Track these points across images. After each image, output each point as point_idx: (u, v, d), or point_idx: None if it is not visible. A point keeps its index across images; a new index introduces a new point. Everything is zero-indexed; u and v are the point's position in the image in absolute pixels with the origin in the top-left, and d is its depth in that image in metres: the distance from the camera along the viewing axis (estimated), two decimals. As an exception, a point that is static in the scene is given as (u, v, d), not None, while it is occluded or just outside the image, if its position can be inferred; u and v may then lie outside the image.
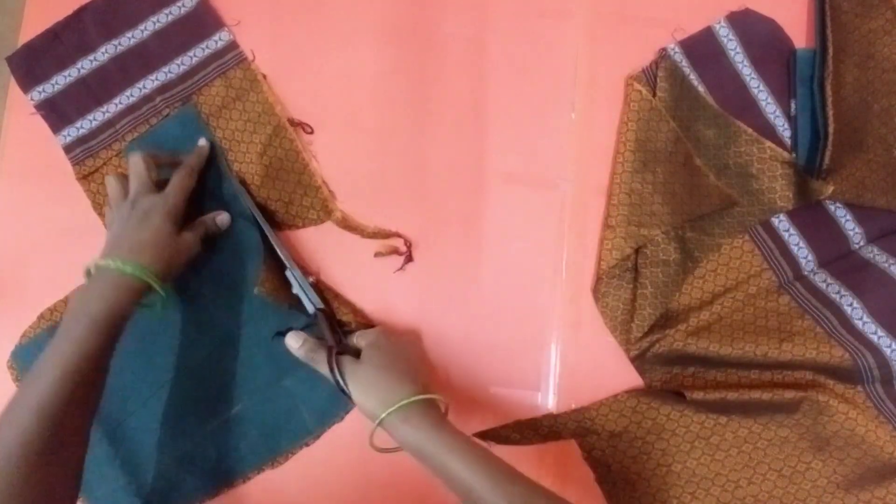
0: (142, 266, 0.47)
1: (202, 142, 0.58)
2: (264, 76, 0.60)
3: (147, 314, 0.51)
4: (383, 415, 0.45)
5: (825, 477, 0.52)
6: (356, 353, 0.50)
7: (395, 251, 0.57)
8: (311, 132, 0.59)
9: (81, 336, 0.44)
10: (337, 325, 0.53)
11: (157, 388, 0.56)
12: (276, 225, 0.58)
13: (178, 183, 0.53)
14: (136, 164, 0.53)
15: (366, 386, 0.47)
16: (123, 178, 0.54)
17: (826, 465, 0.52)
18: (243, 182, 0.58)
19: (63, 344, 0.44)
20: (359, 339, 0.52)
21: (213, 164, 0.58)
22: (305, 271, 0.56)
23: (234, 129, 0.59)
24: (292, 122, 0.59)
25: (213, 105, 0.59)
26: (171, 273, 0.51)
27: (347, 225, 0.57)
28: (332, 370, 0.48)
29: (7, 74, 0.61)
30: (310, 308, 0.53)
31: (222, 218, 0.55)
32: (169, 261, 0.50)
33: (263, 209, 0.57)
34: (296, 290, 0.53)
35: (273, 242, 0.55)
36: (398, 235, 0.58)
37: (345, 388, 0.48)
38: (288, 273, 0.54)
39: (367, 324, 0.56)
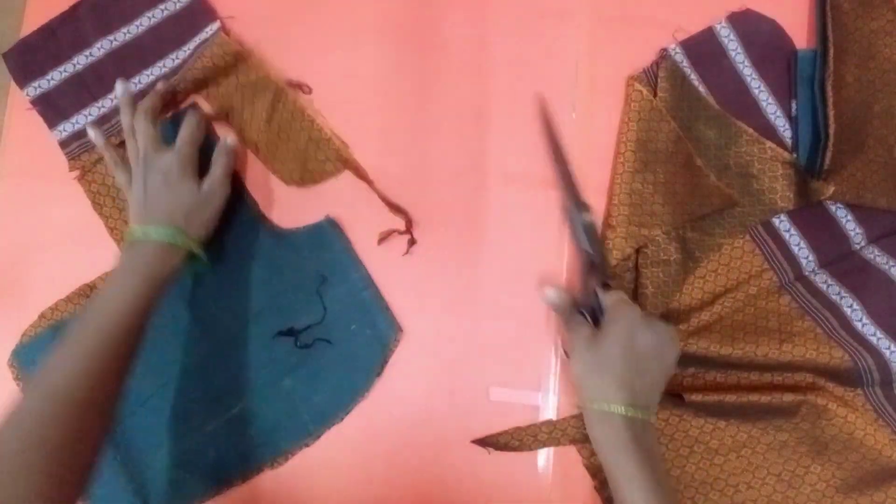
0: (180, 230, 0.50)
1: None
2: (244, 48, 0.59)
3: (193, 273, 0.56)
4: (613, 409, 0.45)
5: (824, 481, 0.52)
6: (595, 309, 0.50)
7: (395, 232, 0.57)
8: (310, 92, 0.60)
9: (130, 294, 0.46)
10: (596, 273, 0.52)
11: (158, 388, 0.56)
12: (296, 184, 0.58)
13: (188, 134, 0.53)
14: (140, 121, 0.53)
15: (591, 368, 0.47)
16: (132, 139, 0.54)
17: (825, 469, 0.52)
18: (255, 151, 0.59)
19: (114, 300, 0.46)
20: (606, 299, 0.50)
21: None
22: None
23: (234, 103, 0.59)
24: (290, 84, 0.59)
25: (207, 83, 0.59)
26: (208, 228, 0.53)
27: (362, 175, 0.58)
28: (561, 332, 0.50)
29: (7, 75, 0.61)
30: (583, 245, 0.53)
31: (230, 140, 0.56)
32: (202, 217, 0.52)
33: (281, 172, 0.58)
34: (576, 228, 0.53)
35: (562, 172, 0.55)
36: (402, 211, 0.57)
37: (566, 355, 0.49)
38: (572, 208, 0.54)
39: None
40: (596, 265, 0.52)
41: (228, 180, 0.55)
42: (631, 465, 0.43)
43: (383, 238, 0.57)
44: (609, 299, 0.49)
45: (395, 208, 0.57)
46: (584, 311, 0.52)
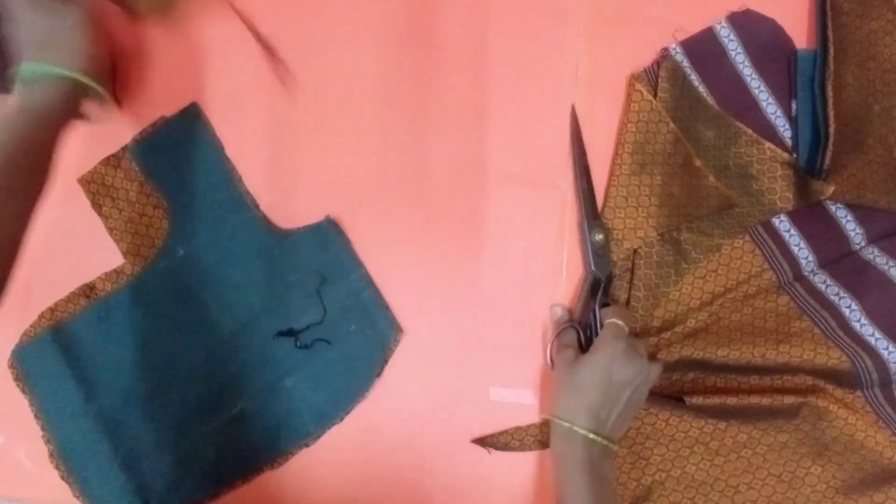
0: (45, 63, 0.50)
1: None
2: None
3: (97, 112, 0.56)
4: (580, 431, 0.47)
5: (824, 482, 0.52)
6: (590, 327, 0.53)
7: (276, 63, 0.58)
8: None
9: (23, 130, 0.47)
10: (598, 293, 0.54)
11: (158, 388, 0.56)
12: (155, 13, 0.58)
13: None
14: None
15: (566, 388, 0.49)
16: None
17: (825, 470, 0.52)
18: None
19: (5, 137, 0.47)
20: (603, 316, 0.52)
21: (216, 171, 0.59)
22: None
23: None
24: None
25: None
26: (82, 56, 0.51)
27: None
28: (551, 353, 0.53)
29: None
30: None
31: None
32: (70, 45, 0.51)
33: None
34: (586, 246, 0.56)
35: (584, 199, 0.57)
36: (268, 46, 0.58)
37: (551, 365, 0.54)
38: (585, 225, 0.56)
39: None
40: (599, 285, 0.53)
41: (87, 7, 0.53)
42: (580, 483, 0.45)
43: (279, 73, 0.58)
44: (605, 322, 0.51)
45: (262, 41, 0.58)
46: (578, 328, 0.53)
